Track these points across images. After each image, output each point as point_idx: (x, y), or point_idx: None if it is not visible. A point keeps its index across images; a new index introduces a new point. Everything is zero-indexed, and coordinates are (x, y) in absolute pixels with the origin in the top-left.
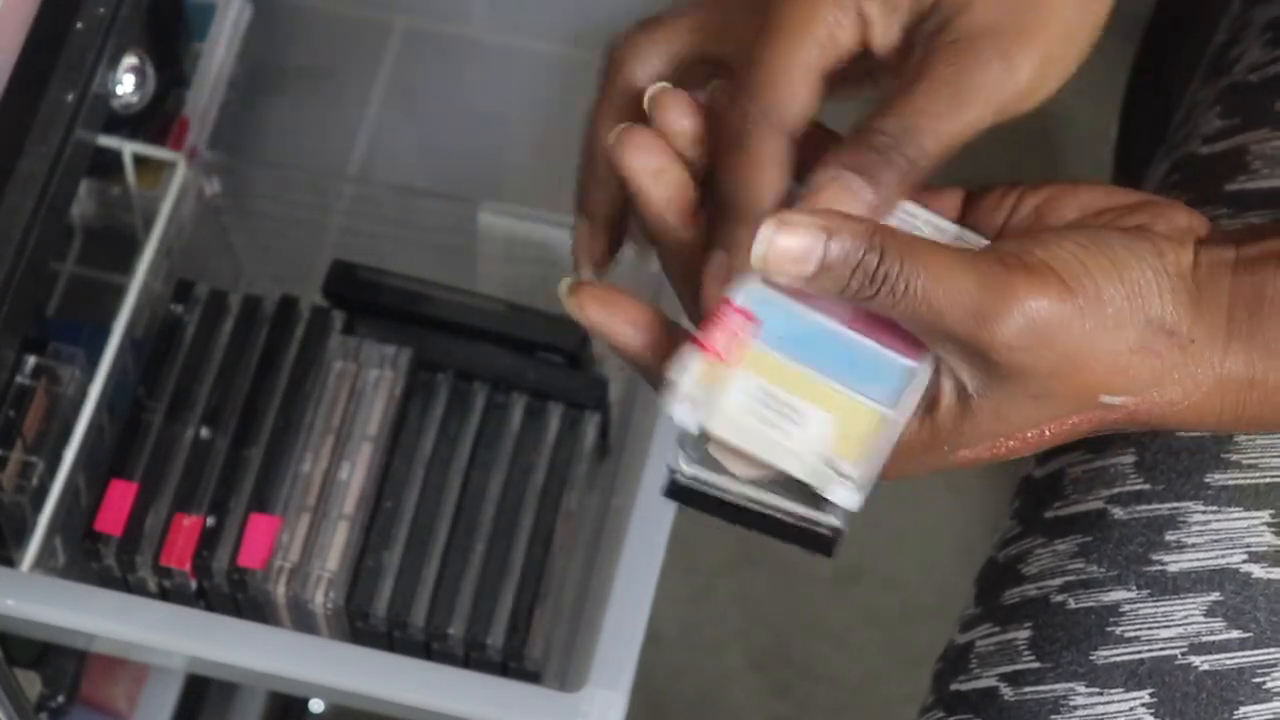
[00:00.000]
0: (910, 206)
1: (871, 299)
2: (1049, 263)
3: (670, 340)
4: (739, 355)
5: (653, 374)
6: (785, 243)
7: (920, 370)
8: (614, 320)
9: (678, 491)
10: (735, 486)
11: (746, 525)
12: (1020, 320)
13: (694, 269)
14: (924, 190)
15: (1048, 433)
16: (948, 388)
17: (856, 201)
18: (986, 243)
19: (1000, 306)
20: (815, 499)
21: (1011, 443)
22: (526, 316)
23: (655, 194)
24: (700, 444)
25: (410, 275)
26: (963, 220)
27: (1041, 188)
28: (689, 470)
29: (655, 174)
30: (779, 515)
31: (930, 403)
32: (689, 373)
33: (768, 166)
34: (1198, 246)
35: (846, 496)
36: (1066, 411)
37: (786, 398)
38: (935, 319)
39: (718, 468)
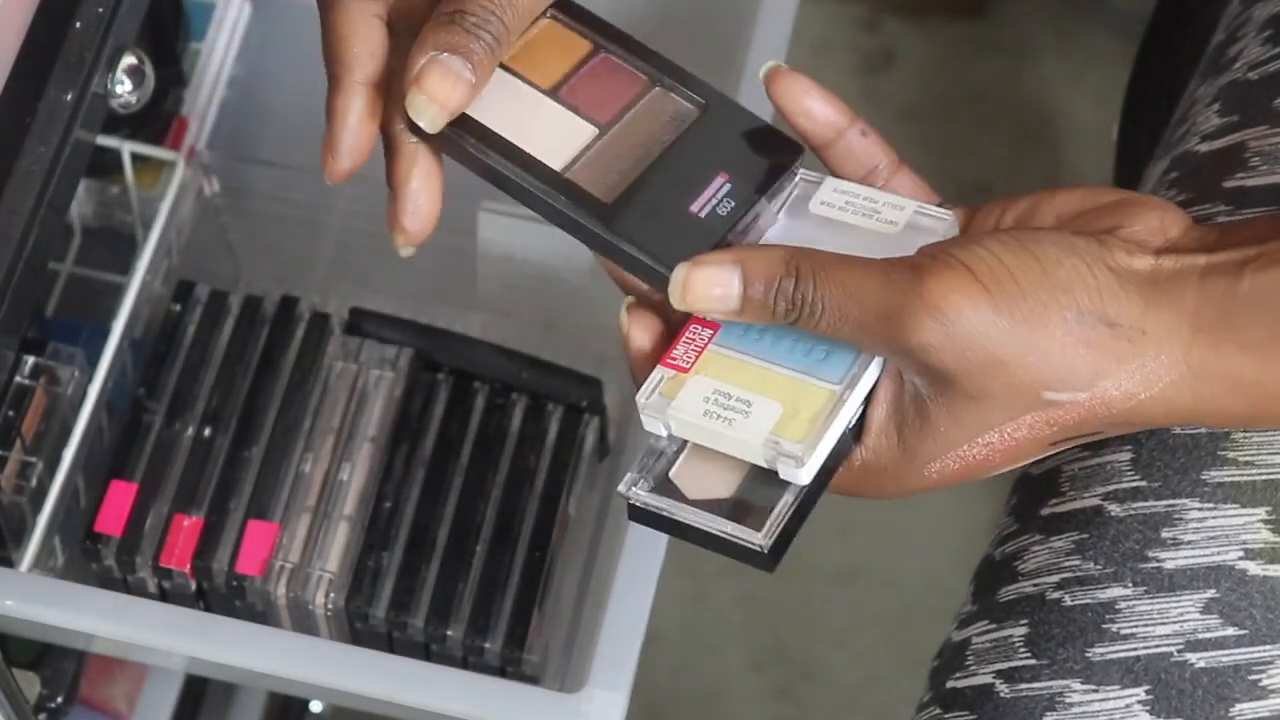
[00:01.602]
0: (869, 191)
1: (797, 322)
2: (964, 261)
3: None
4: (697, 361)
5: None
6: (701, 276)
7: None
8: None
9: (635, 514)
10: (683, 511)
11: (695, 543)
12: (932, 320)
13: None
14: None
15: (1008, 436)
16: (907, 398)
17: (459, 81)
18: (948, 215)
19: (909, 308)
20: (755, 519)
21: (976, 451)
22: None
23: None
24: (657, 470)
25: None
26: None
27: (1024, 198)
28: (641, 496)
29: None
30: (720, 534)
31: (897, 417)
32: (652, 386)
33: (351, 115)
34: (1162, 251)
35: (792, 472)
36: (1015, 411)
37: (738, 393)
38: (856, 332)
39: (671, 492)
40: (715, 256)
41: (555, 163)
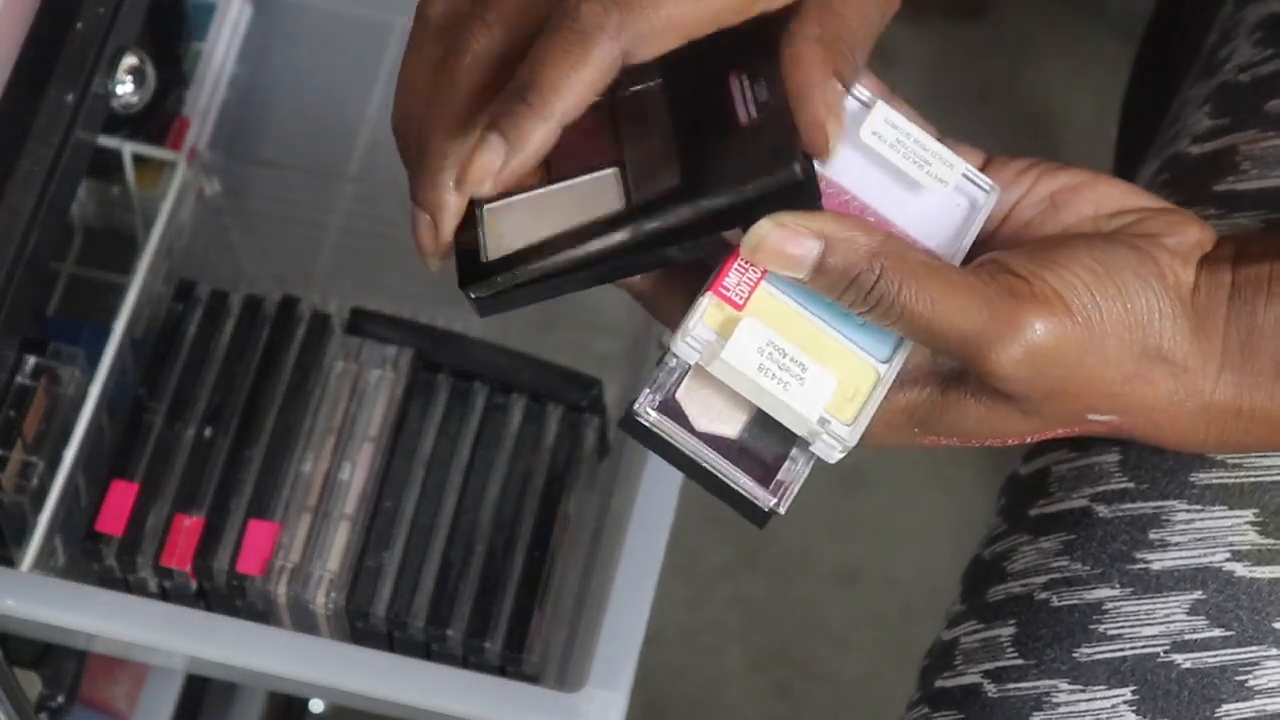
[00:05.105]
0: (919, 134)
1: (865, 314)
2: (1060, 292)
3: None
4: (749, 299)
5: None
6: (779, 244)
7: None
8: None
9: (633, 427)
10: (689, 441)
11: (691, 476)
12: (1022, 351)
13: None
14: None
15: (1030, 438)
16: (935, 385)
17: (498, 161)
18: (994, 186)
19: (1002, 341)
20: (765, 473)
21: (990, 441)
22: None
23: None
24: (671, 388)
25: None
26: None
27: (1060, 172)
28: (649, 415)
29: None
30: (724, 479)
31: (914, 381)
32: (697, 314)
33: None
34: (1200, 266)
35: (829, 453)
36: (1053, 425)
37: (794, 353)
38: (934, 341)
39: (677, 415)
40: (802, 220)
41: (611, 208)
